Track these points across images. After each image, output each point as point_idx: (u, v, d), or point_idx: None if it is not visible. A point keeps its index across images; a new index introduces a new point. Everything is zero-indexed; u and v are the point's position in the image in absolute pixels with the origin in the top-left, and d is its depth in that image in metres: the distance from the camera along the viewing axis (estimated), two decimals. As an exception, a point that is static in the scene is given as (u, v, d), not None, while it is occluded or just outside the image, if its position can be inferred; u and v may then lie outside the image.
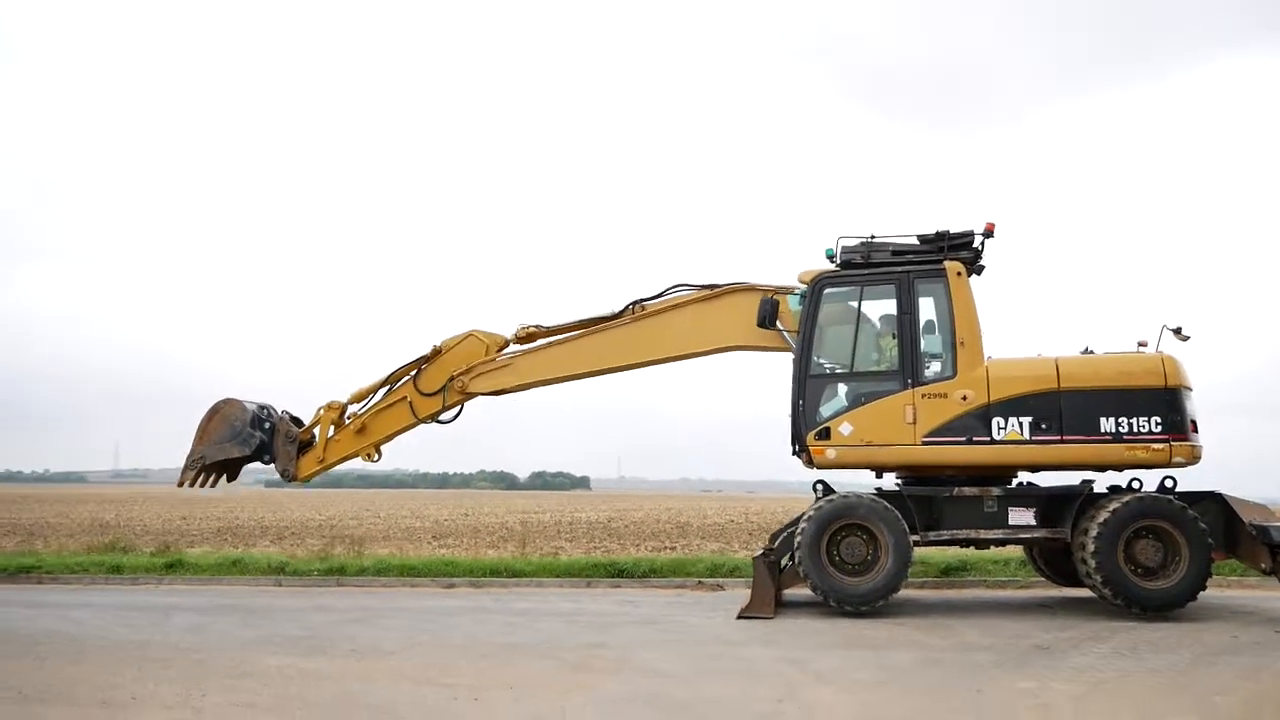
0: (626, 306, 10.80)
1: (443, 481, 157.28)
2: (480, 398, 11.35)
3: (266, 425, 11.59)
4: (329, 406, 11.53)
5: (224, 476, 11.93)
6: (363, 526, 27.41)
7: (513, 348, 11.24)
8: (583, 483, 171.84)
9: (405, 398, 11.33)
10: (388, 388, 11.47)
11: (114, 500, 56.05)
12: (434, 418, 11.35)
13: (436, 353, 11.31)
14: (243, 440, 11.36)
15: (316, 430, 11.58)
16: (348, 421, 11.54)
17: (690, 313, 10.62)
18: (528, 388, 11.23)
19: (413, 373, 11.35)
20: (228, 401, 11.54)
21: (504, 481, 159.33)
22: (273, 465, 11.74)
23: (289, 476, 11.62)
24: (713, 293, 10.55)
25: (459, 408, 11.39)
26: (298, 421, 11.83)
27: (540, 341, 11.12)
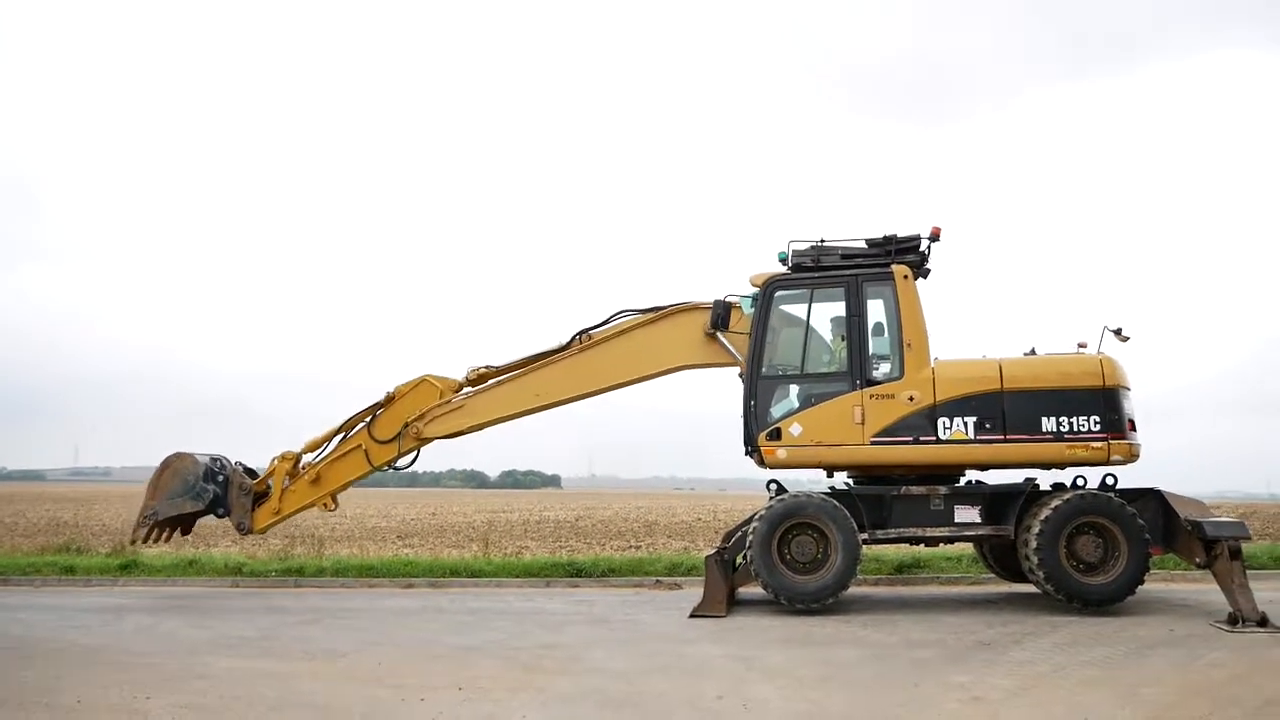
0: (573, 337, 10.91)
1: (412, 480, 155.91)
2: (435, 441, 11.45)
3: (220, 478, 11.60)
4: (283, 457, 11.63)
5: (177, 530, 11.94)
6: (326, 526, 27.19)
7: (466, 390, 11.33)
8: (554, 481, 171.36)
9: (360, 446, 11.44)
10: (342, 436, 11.56)
11: (72, 499, 55.01)
12: (390, 464, 11.47)
13: (390, 399, 11.40)
14: (196, 494, 11.38)
15: (271, 481, 11.64)
16: (302, 471, 11.61)
17: (635, 337, 10.74)
18: (482, 428, 11.33)
19: (367, 419, 11.43)
20: (179, 455, 11.53)
21: (474, 480, 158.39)
22: (227, 519, 11.75)
23: (244, 530, 11.69)
24: (656, 315, 10.70)
25: (415, 453, 11.48)
26: (251, 473, 11.87)
27: (491, 381, 11.23)
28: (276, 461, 11.68)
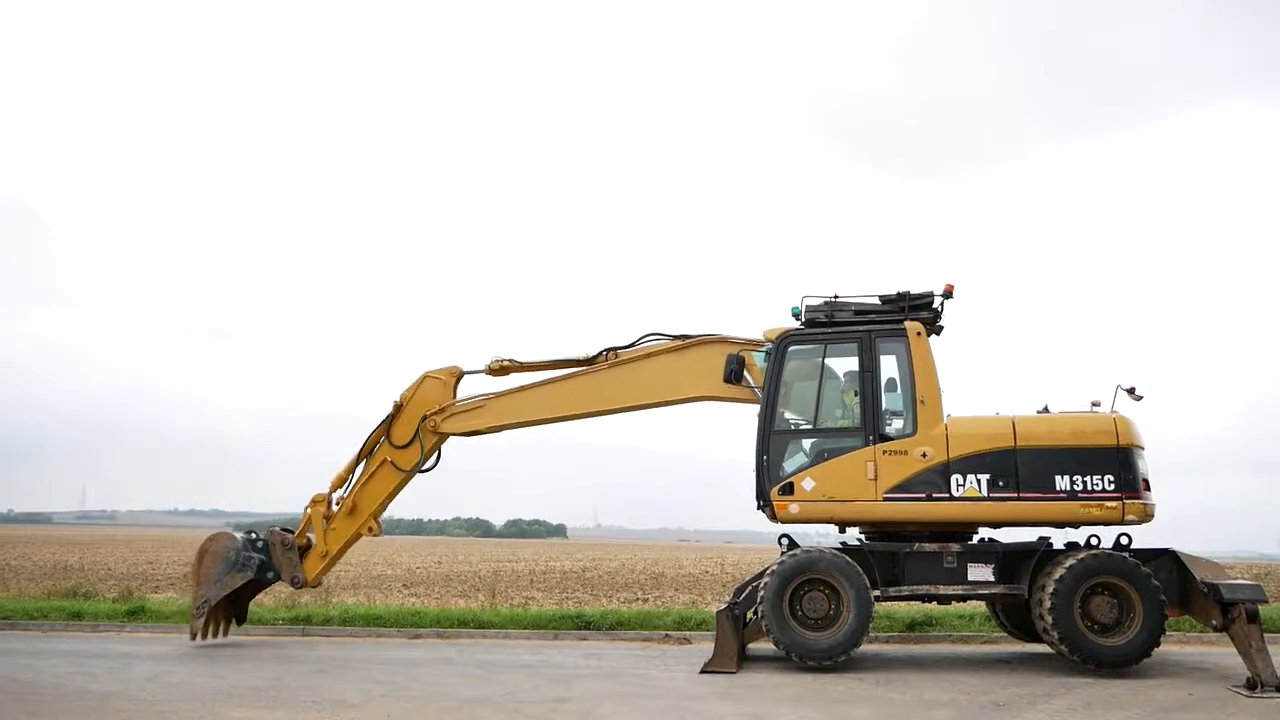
0: (600, 352, 11.03)
1: (417, 528, 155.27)
2: (455, 440, 11.49)
3: (260, 544, 11.57)
4: (314, 501, 11.62)
5: (233, 620, 11.86)
6: (333, 574, 27.04)
7: (484, 383, 11.39)
8: (559, 531, 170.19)
9: (384, 460, 11.46)
10: (364, 461, 11.58)
11: (79, 542, 54.90)
12: (418, 469, 11.45)
13: (399, 407, 11.46)
14: (241, 566, 11.29)
15: (310, 530, 11.63)
16: (336, 508, 11.59)
17: (661, 362, 10.84)
18: (500, 429, 11.38)
19: (383, 435, 11.47)
20: (213, 537, 11.52)
21: (479, 529, 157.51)
22: (279, 581, 11.67)
23: (299, 583, 11.58)
24: (684, 344, 10.81)
25: (436, 453, 11.51)
26: (289, 530, 11.81)
27: (514, 386, 11.29)
28: (309, 509, 11.63)
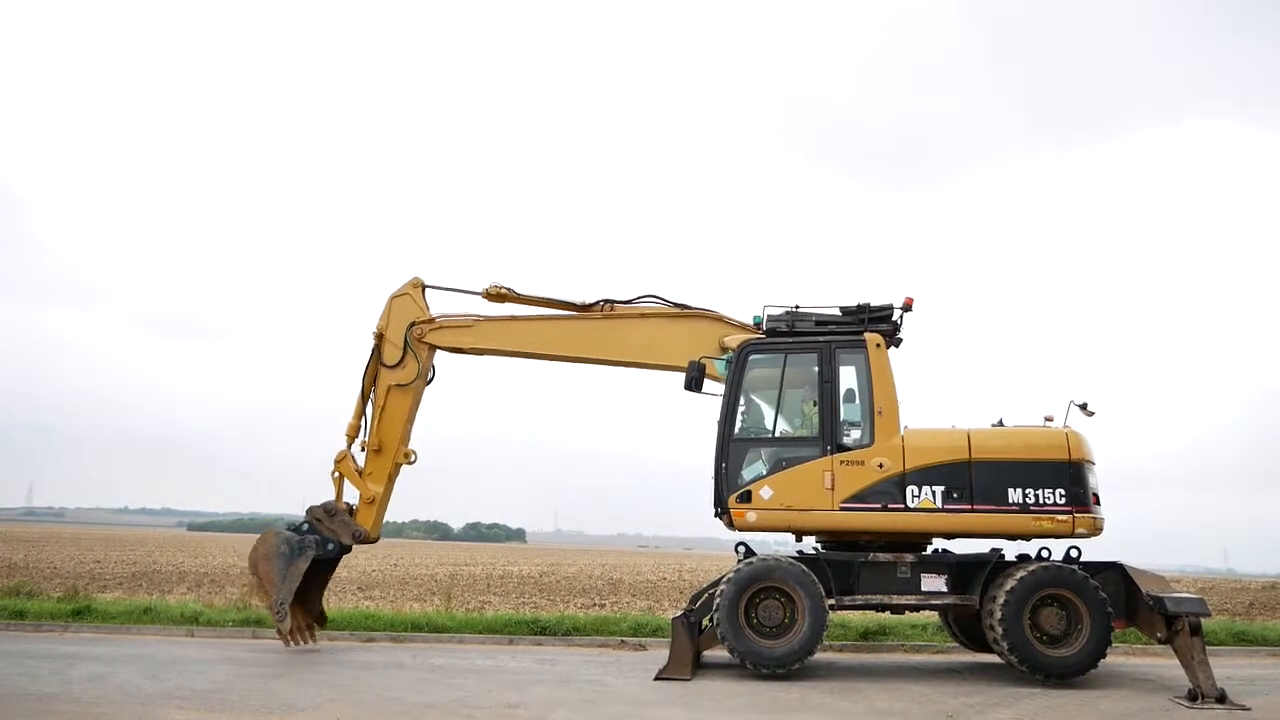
0: (597, 302, 11.12)
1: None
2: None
3: (305, 525, 11.30)
4: (337, 460, 11.45)
5: (317, 622, 11.62)
6: (286, 575, 26.63)
7: (480, 304, 11.43)
8: (518, 535, 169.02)
9: (388, 387, 11.37)
10: (369, 399, 11.44)
11: (24, 540, 53.40)
12: (424, 381, 11.42)
13: (380, 335, 11.43)
14: (300, 548, 10.99)
15: (351, 487, 11.42)
16: (363, 453, 11.42)
17: (654, 325, 10.94)
18: (484, 353, 11.49)
19: (376, 367, 11.39)
20: (260, 541, 11.17)
21: (437, 532, 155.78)
22: (344, 552, 11.37)
23: (360, 538, 11.26)
24: (681, 312, 10.93)
25: (432, 369, 11.53)
26: (325, 503, 11.50)
27: (506, 312, 11.38)
28: (336, 471, 11.41)
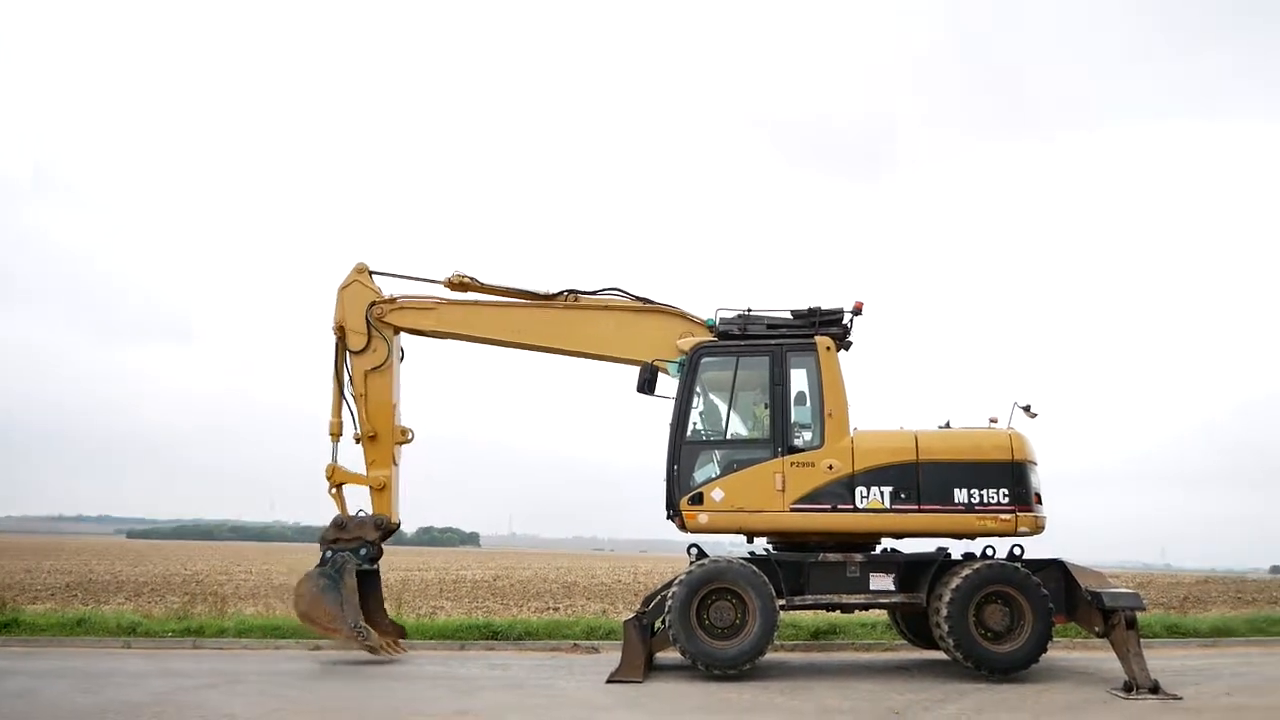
0: (561, 292, 11.00)
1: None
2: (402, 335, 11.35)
3: (327, 554, 10.93)
4: (329, 477, 11.13)
5: (398, 635, 11.44)
6: (231, 582, 26.05)
7: (442, 293, 11.26)
8: (472, 539, 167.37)
9: (363, 372, 11.15)
10: (346, 389, 11.21)
11: (-49, 551, 51.44)
12: (397, 358, 11.24)
13: (341, 327, 11.23)
14: (339, 570, 10.65)
15: (361, 486, 11.17)
16: (355, 445, 11.19)
17: (616, 318, 10.88)
18: (444, 336, 11.33)
19: (344, 359, 11.19)
20: (297, 593, 10.83)
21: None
22: (375, 547, 11.06)
23: (383, 525, 11.01)
24: (643, 306, 10.88)
25: (401, 350, 11.36)
26: (333, 523, 11.20)
27: (469, 295, 11.22)
28: (332, 484, 11.10)
